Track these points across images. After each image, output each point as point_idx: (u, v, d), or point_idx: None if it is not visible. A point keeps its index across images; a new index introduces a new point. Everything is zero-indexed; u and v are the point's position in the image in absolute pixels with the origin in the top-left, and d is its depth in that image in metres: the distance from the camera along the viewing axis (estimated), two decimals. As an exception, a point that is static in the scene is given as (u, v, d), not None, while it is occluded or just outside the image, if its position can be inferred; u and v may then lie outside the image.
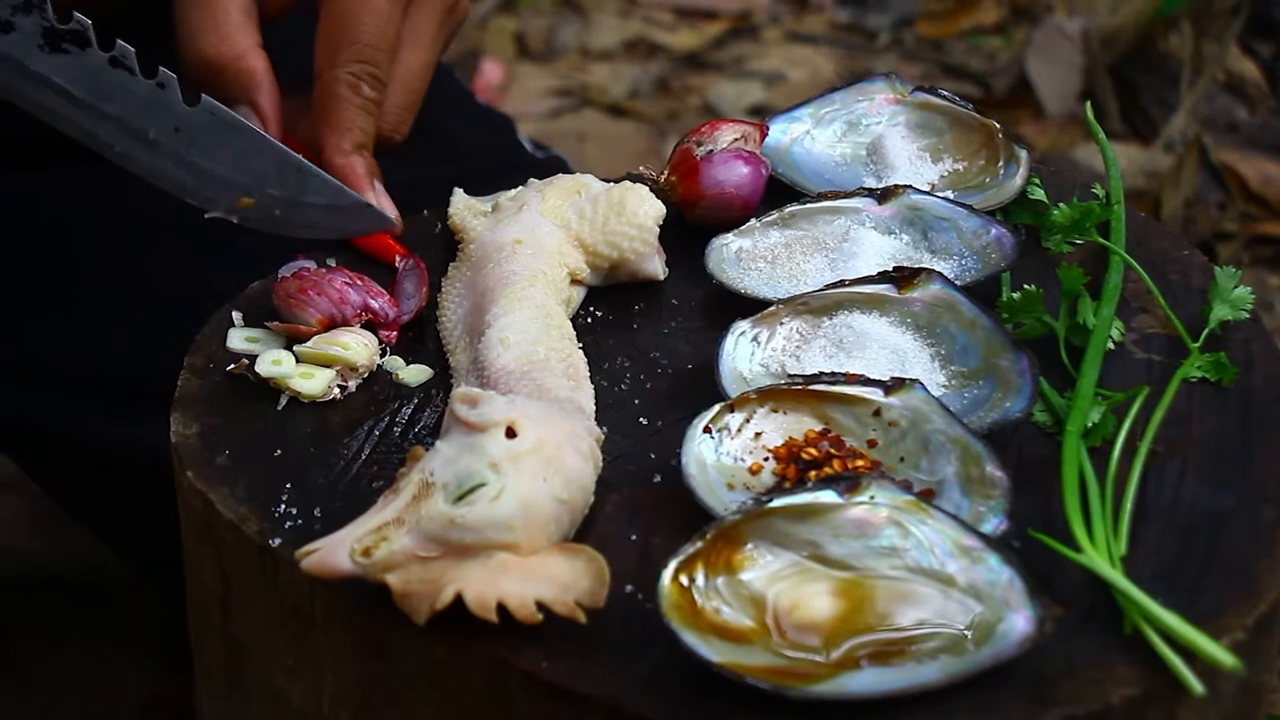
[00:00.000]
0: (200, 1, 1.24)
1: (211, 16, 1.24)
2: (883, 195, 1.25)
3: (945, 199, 1.25)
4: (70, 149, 1.27)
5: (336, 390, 1.14)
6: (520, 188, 1.26)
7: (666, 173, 1.28)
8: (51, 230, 1.54)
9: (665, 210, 1.23)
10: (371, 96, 1.25)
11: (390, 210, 1.26)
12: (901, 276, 1.16)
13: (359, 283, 1.19)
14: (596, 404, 1.12)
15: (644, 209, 1.22)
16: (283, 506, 1.05)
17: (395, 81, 1.28)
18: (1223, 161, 2.65)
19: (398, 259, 1.23)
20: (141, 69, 1.19)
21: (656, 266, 1.23)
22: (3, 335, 1.53)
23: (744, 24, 3.23)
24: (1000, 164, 1.30)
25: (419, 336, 1.20)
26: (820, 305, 1.16)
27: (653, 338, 1.20)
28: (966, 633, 0.97)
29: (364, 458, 1.09)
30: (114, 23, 1.19)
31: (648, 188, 1.24)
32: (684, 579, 0.97)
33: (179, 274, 1.50)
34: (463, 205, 1.27)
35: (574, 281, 1.21)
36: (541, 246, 1.19)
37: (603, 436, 1.07)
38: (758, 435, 1.08)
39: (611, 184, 1.25)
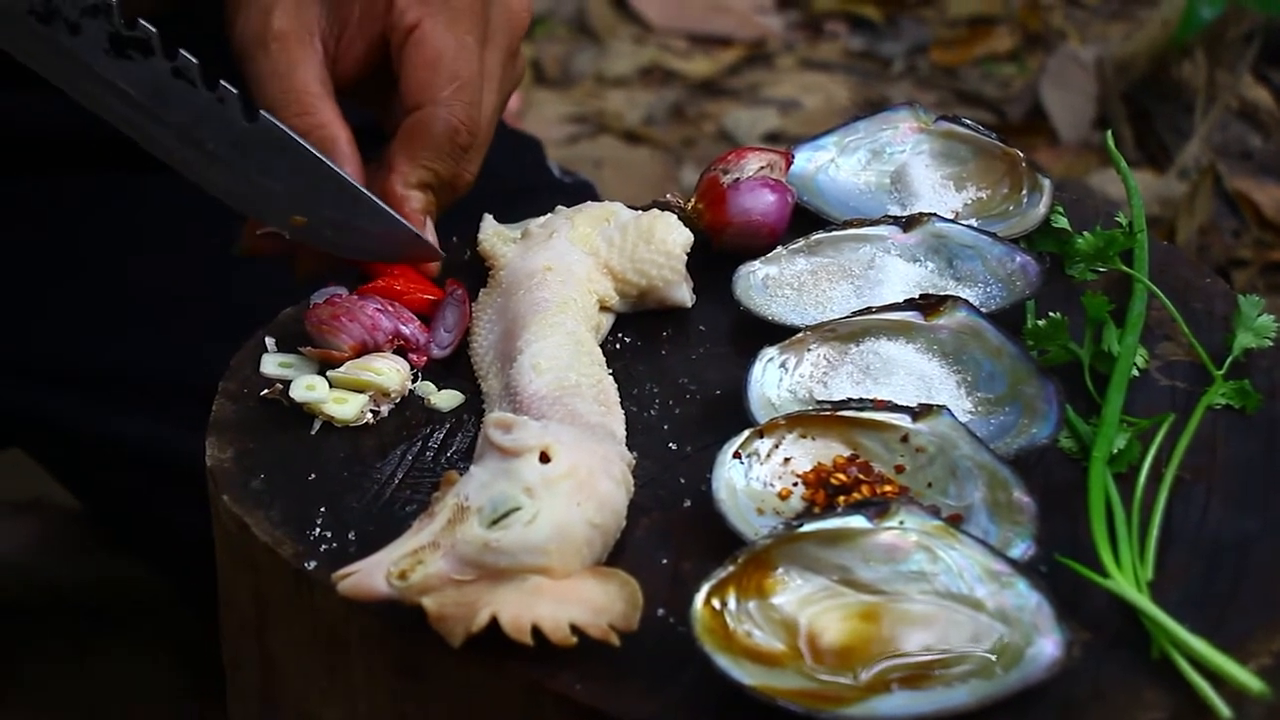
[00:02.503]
0: (278, 74, 1.24)
1: (291, 89, 1.23)
2: (907, 223, 1.26)
3: (970, 227, 1.26)
4: (100, 152, 1.28)
5: (369, 415, 1.15)
6: (549, 215, 1.27)
7: (694, 200, 1.29)
8: (85, 230, 1.56)
9: (693, 238, 1.24)
10: (464, 144, 1.24)
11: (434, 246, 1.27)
12: (927, 304, 1.17)
13: (390, 309, 1.20)
14: (627, 429, 1.13)
15: (672, 237, 1.23)
16: (317, 530, 1.06)
17: None
18: (1237, 189, 2.66)
19: (447, 287, 1.24)
20: (204, 81, 1.19)
21: (684, 293, 1.24)
22: (24, 334, 1.55)
23: (758, 51, 3.25)
24: (1023, 192, 1.32)
25: (450, 362, 1.21)
26: (847, 332, 1.17)
27: (681, 364, 1.21)
28: (994, 657, 0.98)
29: (397, 482, 1.11)
30: (164, 21, 1.20)
31: (675, 215, 1.26)
32: (716, 603, 0.98)
33: (208, 277, 1.52)
34: (493, 232, 1.28)
35: (603, 308, 1.22)
36: (571, 273, 1.20)
37: (634, 461, 1.08)
38: (787, 461, 1.09)
39: (640, 212, 1.27)
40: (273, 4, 1.25)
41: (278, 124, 1.21)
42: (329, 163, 1.22)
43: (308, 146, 1.21)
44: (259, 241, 1.25)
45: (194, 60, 1.19)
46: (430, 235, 1.25)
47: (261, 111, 1.20)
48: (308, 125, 1.22)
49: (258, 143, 1.20)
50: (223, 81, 1.20)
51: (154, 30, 1.17)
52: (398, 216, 1.23)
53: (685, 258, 1.24)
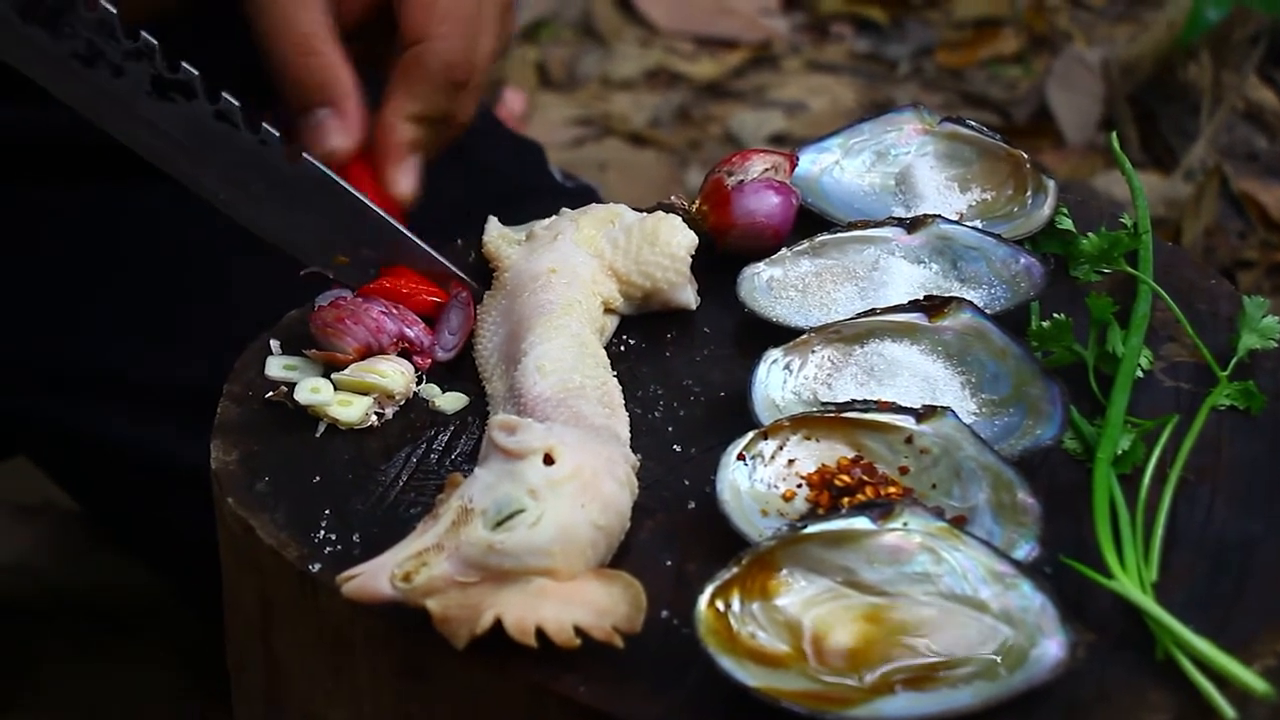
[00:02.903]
0: (285, 15, 1.25)
1: (298, 31, 1.25)
2: (912, 225, 1.26)
3: (974, 228, 1.26)
4: (99, 157, 1.27)
5: (374, 417, 1.15)
6: (554, 217, 1.27)
7: (698, 202, 1.29)
8: (87, 235, 1.57)
9: (697, 240, 1.24)
10: (459, 79, 1.26)
11: (410, 182, 1.27)
12: (932, 305, 1.18)
13: (395, 311, 1.20)
14: (631, 431, 1.13)
15: (677, 239, 1.23)
16: (322, 532, 1.07)
17: None
18: (1242, 190, 2.66)
19: (451, 289, 1.24)
20: (246, 123, 1.20)
21: (689, 295, 1.24)
22: (26, 338, 1.55)
23: (764, 53, 3.25)
24: (1028, 193, 1.32)
25: (454, 364, 1.21)
26: (851, 333, 1.17)
27: (685, 365, 1.21)
28: (999, 658, 0.98)
29: (402, 484, 1.11)
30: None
31: (680, 217, 1.26)
32: (720, 604, 0.98)
33: (211, 279, 1.52)
34: (497, 234, 1.28)
35: (607, 310, 1.22)
36: (576, 275, 1.21)
37: (638, 463, 1.08)
38: (791, 462, 1.09)
39: (644, 214, 1.27)
40: None
41: (319, 165, 1.22)
42: (370, 203, 1.23)
43: (349, 187, 1.23)
44: None
45: (236, 102, 1.20)
46: (411, 170, 1.26)
47: (305, 154, 1.22)
48: (313, 65, 1.24)
49: (300, 184, 1.22)
50: (265, 124, 1.21)
51: (196, 73, 1.19)
52: (435, 254, 1.25)
53: (690, 260, 1.24)
